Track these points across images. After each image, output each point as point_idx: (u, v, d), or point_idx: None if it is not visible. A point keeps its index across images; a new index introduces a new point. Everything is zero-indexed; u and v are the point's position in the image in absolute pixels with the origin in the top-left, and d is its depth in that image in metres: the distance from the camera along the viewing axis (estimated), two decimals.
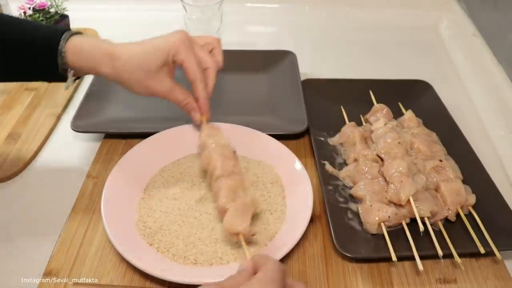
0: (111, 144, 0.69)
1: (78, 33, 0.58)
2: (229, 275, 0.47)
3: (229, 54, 0.88)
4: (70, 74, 0.57)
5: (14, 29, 0.56)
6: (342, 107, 0.75)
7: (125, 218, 0.55)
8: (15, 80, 0.62)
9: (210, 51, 0.64)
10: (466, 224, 0.56)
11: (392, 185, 0.57)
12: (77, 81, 0.65)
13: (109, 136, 0.70)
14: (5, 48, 0.55)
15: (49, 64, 0.56)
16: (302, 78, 0.80)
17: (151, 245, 0.53)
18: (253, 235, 0.52)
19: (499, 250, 0.53)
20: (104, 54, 0.56)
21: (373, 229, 0.55)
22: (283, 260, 0.52)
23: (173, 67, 0.61)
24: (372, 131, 0.67)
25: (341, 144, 0.69)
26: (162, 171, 0.63)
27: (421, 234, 0.53)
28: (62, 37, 0.56)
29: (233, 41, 0.98)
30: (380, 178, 0.60)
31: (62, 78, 0.58)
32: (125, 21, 1.04)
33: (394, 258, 0.51)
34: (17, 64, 0.56)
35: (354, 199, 0.60)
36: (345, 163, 0.66)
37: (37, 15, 0.88)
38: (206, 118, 0.62)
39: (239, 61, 0.86)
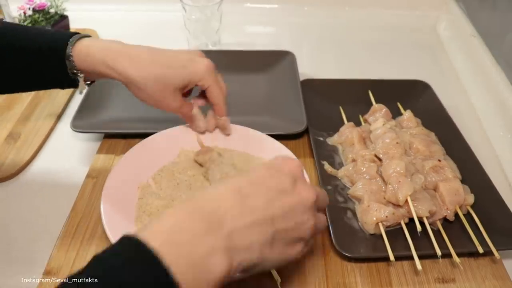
0: (111, 144, 0.69)
1: (86, 36, 0.57)
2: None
3: (228, 55, 0.89)
4: (80, 78, 0.57)
5: (20, 36, 0.55)
6: (341, 107, 0.75)
7: (124, 218, 0.55)
8: (28, 90, 0.61)
9: None
10: (464, 223, 0.56)
11: (390, 185, 0.57)
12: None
13: (109, 136, 0.70)
14: (13, 56, 0.54)
15: (58, 70, 0.55)
16: (301, 78, 0.81)
17: None
18: None
19: (497, 250, 0.53)
20: (116, 57, 0.55)
21: (370, 229, 0.55)
22: None
23: (189, 89, 0.60)
24: (370, 131, 0.67)
25: (340, 144, 0.69)
26: (162, 171, 0.63)
27: (418, 234, 0.53)
28: (70, 41, 0.55)
29: (232, 41, 0.99)
30: (378, 178, 0.60)
31: (75, 84, 0.57)
32: (125, 21, 1.05)
33: (392, 258, 0.52)
34: (27, 72, 0.55)
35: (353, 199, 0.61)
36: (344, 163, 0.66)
37: (36, 15, 0.88)
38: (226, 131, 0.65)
39: (238, 62, 0.86)
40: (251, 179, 0.39)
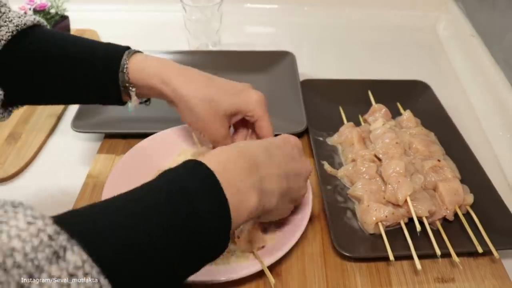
0: (111, 144, 0.69)
1: (139, 51, 0.56)
2: (231, 274, 0.48)
3: (228, 55, 0.89)
4: (132, 92, 0.55)
5: (71, 44, 0.54)
6: (340, 107, 0.76)
7: None
8: (72, 102, 0.60)
9: None
10: (464, 223, 0.57)
11: (389, 185, 0.57)
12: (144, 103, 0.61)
13: (109, 136, 0.71)
14: (63, 64, 0.53)
15: (109, 82, 0.54)
16: (301, 78, 0.81)
17: None
18: (263, 246, 0.53)
19: (496, 250, 0.53)
20: (172, 74, 0.54)
21: (370, 229, 0.55)
22: (282, 259, 0.52)
23: (237, 120, 0.58)
24: (370, 131, 0.67)
25: (340, 144, 0.69)
26: (162, 171, 0.63)
27: (418, 234, 0.53)
28: (126, 52, 0.54)
29: (233, 41, 0.99)
30: (378, 178, 0.60)
31: (120, 101, 0.56)
32: (125, 21, 1.05)
33: (391, 257, 0.52)
34: (75, 83, 0.54)
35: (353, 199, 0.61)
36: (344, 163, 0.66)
37: (37, 16, 0.88)
38: None
39: (238, 62, 0.87)
40: (273, 143, 0.48)
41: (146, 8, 1.08)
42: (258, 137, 0.59)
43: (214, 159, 0.41)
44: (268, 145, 0.47)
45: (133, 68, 0.54)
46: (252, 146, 0.45)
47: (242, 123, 0.60)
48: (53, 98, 0.58)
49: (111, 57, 0.54)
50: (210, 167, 0.39)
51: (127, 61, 0.54)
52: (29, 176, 0.66)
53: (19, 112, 0.75)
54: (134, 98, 0.56)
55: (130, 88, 0.55)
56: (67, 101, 0.63)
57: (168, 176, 0.39)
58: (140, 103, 0.59)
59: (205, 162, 0.40)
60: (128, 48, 0.56)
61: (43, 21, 0.56)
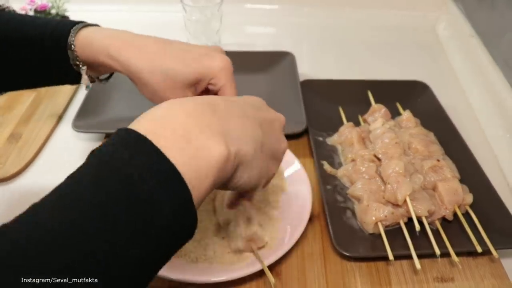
0: None
1: (94, 25, 0.52)
2: (231, 274, 0.48)
3: (228, 55, 0.89)
4: (83, 71, 0.51)
5: (19, 25, 0.50)
6: (340, 107, 0.76)
7: None
8: (31, 86, 0.56)
9: None
10: (463, 223, 0.57)
11: (389, 185, 0.57)
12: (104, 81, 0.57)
13: (109, 136, 0.71)
14: (11, 47, 0.50)
15: (61, 61, 0.50)
16: (301, 78, 0.81)
17: None
18: (263, 246, 0.53)
19: (496, 249, 0.54)
20: (120, 47, 0.49)
21: (370, 229, 0.56)
22: (282, 259, 0.52)
23: (202, 88, 0.52)
24: (370, 131, 0.68)
25: (339, 144, 0.69)
26: None
27: (417, 234, 0.54)
28: (73, 29, 0.49)
29: (233, 42, 0.99)
30: (377, 178, 0.60)
31: (80, 79, 0.53)
32: (126, 22, 1.04)
33: (391, 257, 0.52)
34: (28, 65, 0.51)
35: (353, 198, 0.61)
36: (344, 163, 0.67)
37: (38, 16, 0.88)
38: None
39: (238, 62, 0.86)
40: (232, 97, 0.41)
41: (146, 8, 1.08)
42: None
43: (146, 118, 0.33)
44: (228, 97, 0.41)
45: (81, 43, 0.49)
46: (206, 97, 0.38)
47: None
48: (11, 82, 0.54)
49: (59, 34, 0.49)
50: (141, 131, 0.31)
51: (73, 37, 0.49)
52: (30, 176, 0.66)
53: (20, 112, 0.75)
54: (84, 77, 0.52)
55: (81, 66, 0.51)
56: (27, 85, 0.57)
57: (100, 151, 0.31)
58: (95, 81, 0.54)
59: (135, 126, 0.32)
60: (78, 22, 0.51)
61: (7, 6, 0.54)
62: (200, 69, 0.49)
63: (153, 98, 0.51)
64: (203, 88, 0.52)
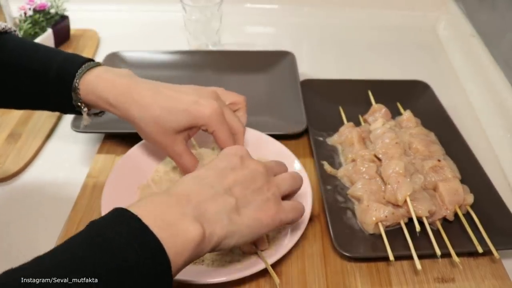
0: (111, 144, 0.69)
1: (98, 64, 0.55)
2: (232, 274, 0.48)
3: (228, 55, 0.90)
4: (84, 112, 0.56)
5: (25, 57, 0.54)
6: (340, 107, 0.76)
7: None
8: (27, 109, 0.60)
9: (235, 111, 0.60)
10: (464, 223, 0.57)
11: (389, 185, 0.57)
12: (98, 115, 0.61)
13: (109, 136, 0.71)
14: (15, 76, 0.53)
15: (64, 98, 0.54)
16: (301, 78, 0.81)
17: None
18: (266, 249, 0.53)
19: (496, 250, 0.53)
20: (119, 97, 0.53)
21: (370, 229, 0.55)
22: (282, 259, 0.52)
23: (195, 132, 0.57)
24: (370, 131, 0.67)
25: (340, 144, 0.69)
26: (162, 171, 0.63)
27: (417, 234, 0.53)
28: (78, 72, 0.53)
29: (233, 41, 0.99)
30: (378, 178, 0.60)
31: (79, 111, 0.56)
32: (125, 21, 1.05)
33: (391, 257, 0.52)
34: (29, 94, 0.55)
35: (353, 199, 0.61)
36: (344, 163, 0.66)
37: (37, 15, 0.88)
38: None
39: (238, 62, 0.87)
40: (206, 167, 0.46)
41: (146, 8, 1.08)
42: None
43: (137, 205, 0.39)
44: (199, 172, 0.45)
45: (84, 89, 0.53)
46: (179, 183, 0.44)
47: None
48: (4, 103, 0.58)
49: (65, 73, 0.53)
50: (134, 211, 0.38)
51: (78, 81, 0.53)
52: (29, 176, 0.66)
53: (19, 113, 0.75)
54: (85, 117, 0.56)
55: (82, 107, 0.55)
56: (20, 108, 0.61)
57: (93, 225, 0.37)
58: (91, 115, 0.58)
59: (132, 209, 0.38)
60: (84, 62, 0.54)
61: (14, 29, 0.56)
62: (189, 118, 0.52)
63: (148, 140, 0.57)
64: (195, 133, 0.58)
